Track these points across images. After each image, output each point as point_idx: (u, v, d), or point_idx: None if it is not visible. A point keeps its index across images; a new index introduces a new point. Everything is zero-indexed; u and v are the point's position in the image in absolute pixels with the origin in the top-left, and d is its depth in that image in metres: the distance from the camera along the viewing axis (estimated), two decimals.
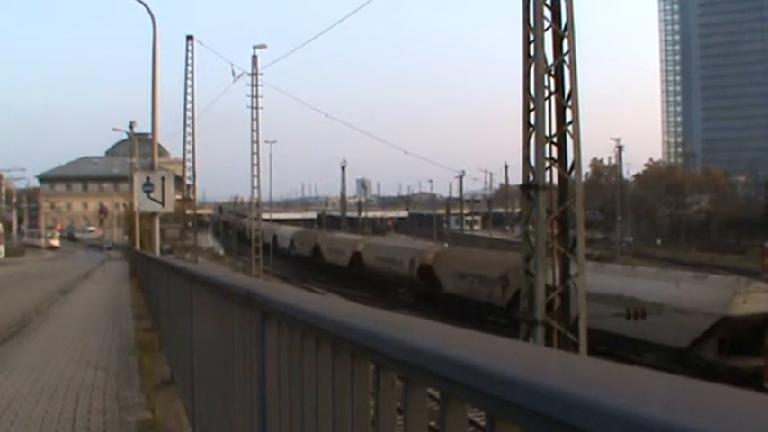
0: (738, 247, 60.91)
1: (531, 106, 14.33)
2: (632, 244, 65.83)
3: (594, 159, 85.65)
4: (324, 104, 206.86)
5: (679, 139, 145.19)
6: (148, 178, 20.65)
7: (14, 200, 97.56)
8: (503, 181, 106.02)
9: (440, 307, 32.94)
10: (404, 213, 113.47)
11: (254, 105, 46.91)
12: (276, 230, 70.56)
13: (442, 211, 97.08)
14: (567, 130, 14.74)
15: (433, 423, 1.55)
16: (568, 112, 14.71)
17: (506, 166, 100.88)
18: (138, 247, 31.94)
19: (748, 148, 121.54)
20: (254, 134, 47.16)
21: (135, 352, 10.92)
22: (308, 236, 63.48)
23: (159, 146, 24.81)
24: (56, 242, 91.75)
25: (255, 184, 47.86)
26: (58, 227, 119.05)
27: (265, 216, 60.60)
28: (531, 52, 14.34)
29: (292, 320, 2.38)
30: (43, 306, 19.41)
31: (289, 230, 70.44)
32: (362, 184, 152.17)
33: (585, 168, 71.69)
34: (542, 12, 14.40)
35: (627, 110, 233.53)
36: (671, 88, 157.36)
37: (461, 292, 32.75)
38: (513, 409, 1.01)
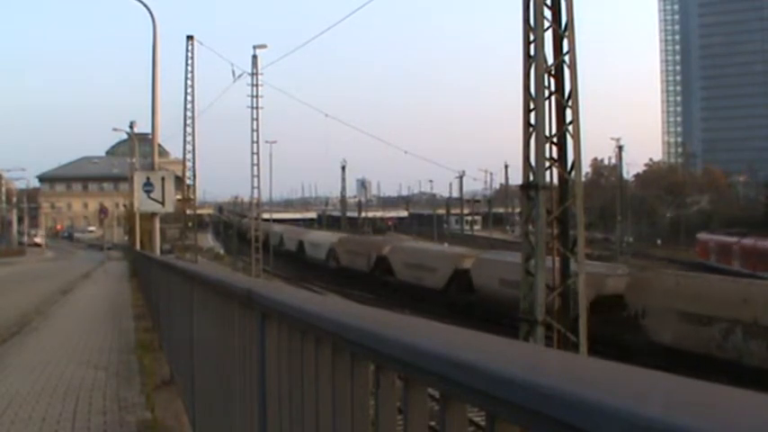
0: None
1: (532, 106, 14.34)
2: (632, 244, 65.84)
3: (594, 159, 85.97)
4: (324, 104, 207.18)
5: (679, 139, 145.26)
6: (148, 178, 20.65)
7: (14, 200, 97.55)
8: (503, 181, 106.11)
9: (641, 359, 19.11)
10: (404, 213, 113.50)
11: (254, 105, 47.05)
12: (303, 236, 60.93)
13: (442, 211, 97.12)
14: (567, 130, 14.75)
15: (433, 423, 1.55)
16: (568, 112, 14.72)
17: (506, 166, 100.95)
18: (138, 246, 31.94)
19: (748, 148, 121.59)
20: (254, 134, 47.31)
21: (135, 352, 10.92)
22: (361, 245, 48.41)
23: (159, 146, 24.82)
24: (39, 239, 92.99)
25: (255, 184, 47.99)
26: (59, 226, 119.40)
27: (265, 216, 60.15)
28: (532, 52, 14.34)
29: (292, 320, 2.38)
30: (43, 306, 19.40)
31: (324, 237, 57.66)
32: (362, 184, 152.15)
33: (586, 168, 71.81)
34: (542, 12, 14.41)
35: (627, 110, 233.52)
36: (671, 88, 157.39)
37: (690, 344, 20.03)
38: (513, 409, 1.02)
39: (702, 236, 53.84)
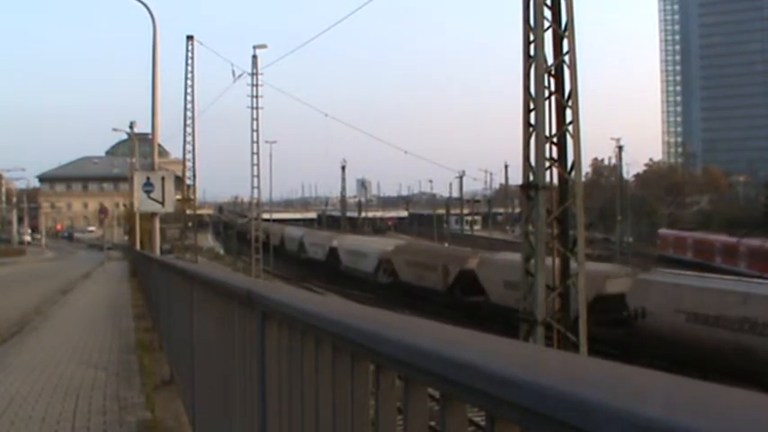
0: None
1: (532, 106, 14.34)
2: (632, 244, 65.81)
3: (595, 159, 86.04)
4: (324, 104, 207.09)
5: (679, 139, 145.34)
6: (148, 178, 20.65)
7: (14, 200, 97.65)
8: (503, 181, 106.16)
9: None
10: (404, 213, 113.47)
11: (254, 105, 47.04)
12: (337, 242, 50.98)
13: (442, 211, 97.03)
14: (567, 130, 14.75)
15: (433, 423, 1.55)
16: (568, 112, 14.72)
17: (506, 166, 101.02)
18: (138, 247, 31.94)
19: (748, 148, 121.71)
20: (254, 134, 47.29)
21: (135, 352, 10.92)
22: (433, 255, 38.29)
23: (159, 146, 24.80)
24: (27, 238, 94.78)
25: (255, 184, 47.97)
26: (59, 226, 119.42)
27: (265, 216, 59.98)
28: (532, 52, 14.34)
29: (292, 320, 2.38)
30: (43, 306, 19.41)
31: (370, 243, 47.80)
32: (362, 184, 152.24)
33: (586, 168, 71.82)
34: (542, 12, 14.41)
35: (627, 110, 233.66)
36: (671, 88, 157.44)
37: None
38: (513, 409, 1.01)
39: (663, 231, 62.22)
